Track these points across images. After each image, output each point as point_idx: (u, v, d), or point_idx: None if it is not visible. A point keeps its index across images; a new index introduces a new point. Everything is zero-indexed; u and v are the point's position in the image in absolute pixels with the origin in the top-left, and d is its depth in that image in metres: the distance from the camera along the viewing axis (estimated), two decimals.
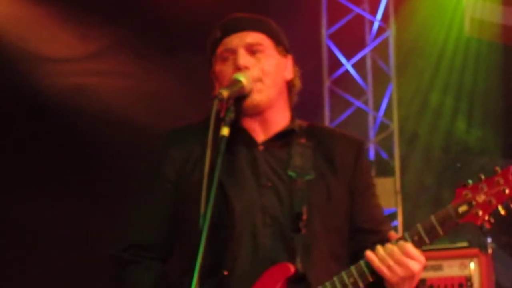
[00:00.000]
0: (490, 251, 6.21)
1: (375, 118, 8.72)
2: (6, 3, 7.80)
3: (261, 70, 3.22)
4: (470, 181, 3.03)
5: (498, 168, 3.02)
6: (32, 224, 7.55)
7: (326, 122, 8.49)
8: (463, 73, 8.87)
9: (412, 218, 8.19)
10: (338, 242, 3.23)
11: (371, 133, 8.69)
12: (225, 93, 3.06)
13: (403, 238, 3.03)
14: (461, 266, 6.22)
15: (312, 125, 3.40)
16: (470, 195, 3.01)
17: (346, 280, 3.05)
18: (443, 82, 8.93)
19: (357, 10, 8.68)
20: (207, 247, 2.80)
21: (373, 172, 7.96)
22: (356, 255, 3.12)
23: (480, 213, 2.99)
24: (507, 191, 2.97)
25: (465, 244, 6.31)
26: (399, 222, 8.12)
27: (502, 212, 2.98)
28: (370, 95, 8.78)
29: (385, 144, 8.52)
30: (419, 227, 3.03)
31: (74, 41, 8.02)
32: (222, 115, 3.03)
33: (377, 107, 8.72)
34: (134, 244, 3.29)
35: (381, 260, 3.01)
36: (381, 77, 8.69)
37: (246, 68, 3.20)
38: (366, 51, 8.78)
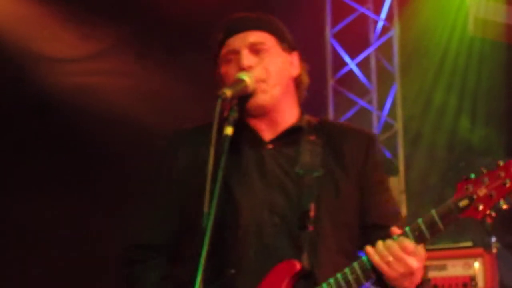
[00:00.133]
0: (494, 250, 6.20)
1: (379, 118, 8.69)
2: (7, 3, 7.79)
3: (265, 70, 3.20)
4: (472, 175, 2.98)
5: (500, 162, 2.96)
6: (32, 224, 7.55)
7: None
8: (467, 72, 8.83)
9: (416, 217, 8.12)
10: (347, 238, 3.22)
11: (375, 132, 8.64)
12: (228, 92, 3.05)
13: (404, 233, 3.00)
14: (465, 266, 6.21)
15: (321, 121, 3.37)
16: (471, 189, 2.97)
17: (349, 277, 3.03)
18: (447, 81, 8.89)
19: (361, 9, 8.66)
20: (213, 246, 2.80)
21: None
22: None
23: (481, 207, 2.94)
24: (508, 184, 2.92)
25: (469, 243, 6.30)
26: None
27: (504, 206, 2.93)
28: (374, 95, 8.76)
29: (389, 143, 8.49)
30: (419, 221, 3.01)
31: (76, 40, 8.02)
32: (225, 114, 3.02)
33: (381, 107, 8.70)
34: (141, 244, 3.30)
35: (381, 255, 2.98)
36: (385, 76, 8.67)
37: (250, 68, 3.19)
38: (370, 50, 8.76)
